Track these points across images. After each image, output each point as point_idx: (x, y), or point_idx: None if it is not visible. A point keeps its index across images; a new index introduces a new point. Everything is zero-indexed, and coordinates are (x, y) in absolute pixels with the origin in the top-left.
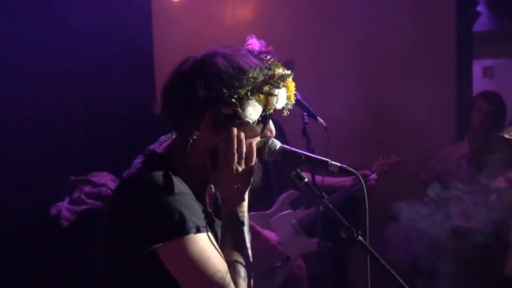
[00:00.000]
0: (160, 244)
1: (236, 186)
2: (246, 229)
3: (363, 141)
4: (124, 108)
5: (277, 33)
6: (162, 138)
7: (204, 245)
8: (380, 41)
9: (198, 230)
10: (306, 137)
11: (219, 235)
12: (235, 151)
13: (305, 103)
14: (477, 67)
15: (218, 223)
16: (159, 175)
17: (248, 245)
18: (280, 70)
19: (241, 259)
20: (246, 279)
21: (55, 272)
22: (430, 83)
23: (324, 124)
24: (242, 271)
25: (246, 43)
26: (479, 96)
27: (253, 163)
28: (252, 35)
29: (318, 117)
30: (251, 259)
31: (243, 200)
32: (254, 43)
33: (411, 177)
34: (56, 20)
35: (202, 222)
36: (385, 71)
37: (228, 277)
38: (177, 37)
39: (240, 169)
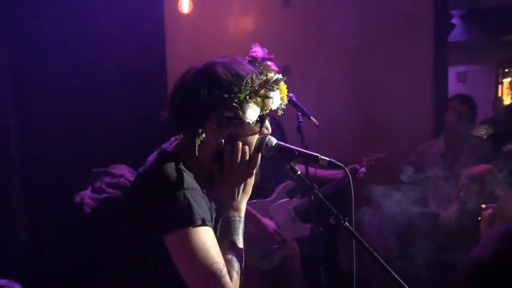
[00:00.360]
0: (168, 233)
1: (237, 196)
2: (241, 231)
3: (352, 138)
4: (142, 110)
5: (275, 43)
6: (173, 138)
7: (207, 237)
8: (367, 52)
9: (203, 223)
10: (301, 134)
11: (218, 228)
12: (239, 163)
13: (299, 104)
14: (452, 72)
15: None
16: (171, 171)
17: (242, 245)
18: (272, 74)
19: (236, 256)
20: (239, 273)
21: (78, 252)
22: (411, 87)
23: (317, 123)
24: (236, 266)
25: (251, 51)
26: (453, 98)
27: (253, 174)
28: (256, 44)
29: (311, 117)
30: (243, 257)
31: (242, 206)
32: (258, 51)
33: (395, 169)
34: (80, 33)
35: (207, 216)
36: (371, 77)
37: (224, 270)
38: (187, 45)
39: (241, 180)
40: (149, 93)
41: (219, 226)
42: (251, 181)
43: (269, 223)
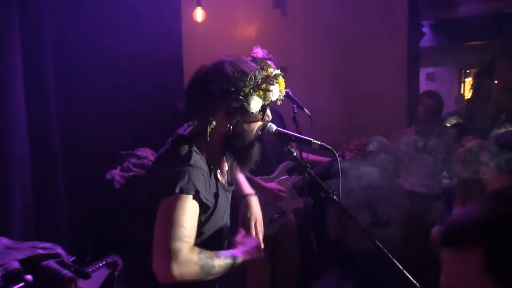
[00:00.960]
0: (167, 196)
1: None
2: (230, 263)
3: (338, 127)
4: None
5: (274, 45)
6: (186, 125)
7: (191, 208)
8: (351, 55)
9: (196, 195)
10: (296, 123)
11: (229, 200)
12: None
13: (294, 97)
14: (422, 73)
15: (229, 189)
16: (183, 150)
17: (219, 267)
18: (271, 69)
19: (212, 259)
20: (200, 265)
21: (109, 221)
22: (388, 85)
23: (309, 114)
24: (205, 260)
25: (253, 52)
26: (423, 94)
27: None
28: (257, 46)
29: (304, 108)
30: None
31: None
32: (259, 52)
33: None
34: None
35: (202, 191)
36: (354, 76)
37: (187, 239)
38: (200, 47)
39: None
40: (168, 89)
41: (229, 193)
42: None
43: (272, 185)
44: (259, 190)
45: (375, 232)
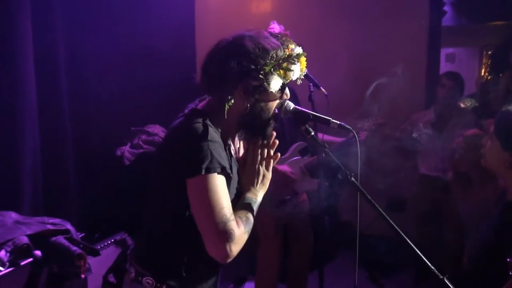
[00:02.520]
0: (191, 177)
1: (256, 184)
2: (255, 207)
3: (354, 107)
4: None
5: (289, 23)
6: (197, 100)
7: (222, 185)
8: (369, 33)
9: (222, 171)
10: (312, 102)
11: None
12: (260, 160)
13: (311, 75)
14: (442, 53)
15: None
16: (199, 125)
17: (252, 218)
18: (292, 46)
19: (248, 219)
20: (247, 232)
21: (118, 198)
22: (406, 65)
23: (326, 93)
24: (247, 224)
25: (269, 27)
26: (443, 75)
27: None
28: (274, 21)
29: (320, 87)
30: (251, 225)
31: (259, 194)
32: (276, 27)
33: (389, 135)
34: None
35: (226, 165)
36: (373, 57)
37: (232, 216)
38: (214, 23)
39: (261, 171)
40: (180, 65)
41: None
42: (269, 176)
43: (285, 168)
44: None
45: (390, 216)
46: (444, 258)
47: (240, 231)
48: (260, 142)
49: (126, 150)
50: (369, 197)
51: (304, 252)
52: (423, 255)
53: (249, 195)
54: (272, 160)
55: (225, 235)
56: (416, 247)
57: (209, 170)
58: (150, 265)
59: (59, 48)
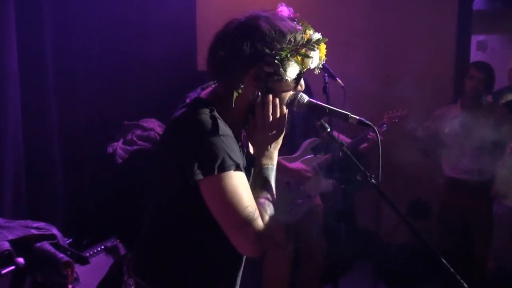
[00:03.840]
0: (203, 178)
1: (269, 146)
2: (273, 178)
3: (372, 101)
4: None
5: (299, 4)
6: (199, 89)
7: (240, 182)
8: (390, 18)
9: (237, 168)
10: (326, 94)
11: (251, 177)
12: (271, 115)
13: (326, 65)
14: (472, 41)
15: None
16: (206, 117)
17: (274, 190)
18: (310, 32)
19: (268, 200)
20: (271, 215)
21: (109, 200)
22: (433, 53)
23: (342, 84)
24: (269, 209)
25: (277, 10)
26: (472, 65)
27: (284, 126)
28: (282, 4)
29: (337, 78)
30: (275, 200)
31: (274, 156)
32: (284, 10)
33: (410, 133)
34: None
35: (241, 162)
36: (394, 43)
37: (256, 213)
38: (216, 7)
39: (273, 131)
40: (180, 53)
41: (250, 176)
42: (282, 131)
43: (295, 164)
44: (281, 170)
45: (413, 223)
46: (472, 269)
47: (266, 223)
48: (271, 98)
49: (118, 147)
50: (391, 201)
51: (316, 262)
52: (449, 266)
53: (264, 161)
54: (284, 115)
55: (252, 237)
56: (442, 257)
57: (224, 169)
58: (152, 276)
59: (45, 43)
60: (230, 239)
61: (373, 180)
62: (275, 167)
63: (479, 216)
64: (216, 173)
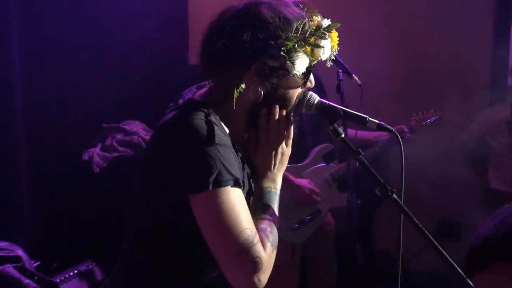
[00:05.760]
0: (195, 193)
1: (273, 166)
2: (276, 203)
3: (395, 100)
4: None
5: None
6: (194, 87)
7: (238, 200)
8: (414, 3)
9: (235, 184)
10: (341, 94)
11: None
12: (275, 131)
13: (340, 59)
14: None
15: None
16: (201, 123)
17: (277, 217)
18: (318, 18)
19: (271, 226)
20: (274, 246)
21: (84, 216)
22: (465, 46)
23: (359, 82)
24: (271, 237)
25: None
26: None
27: (290, 144)
28: None
29: (353, 75)
30: (278, 225)
31: (278, 179)
32: None
33: (447, 138)
34: None
35: (239, 176)
36: (419, 33)
37: (256, 238)
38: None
39: (279, 149)
40: (168, 46)
41: (251, 196)
42: (288, 151)
43: (303, 182)
44: (285, 186)
45: (443, 246)
46: None
47: (267, 253)
48: (277, 109)
49: (95, 154)
50: (415, 220)
51: (325, 286)
52: None
53: (266, 184)
54: (290, 131)
55: (250, 266)
56: None
57: (219, 184)
58: None
59: (12, 35)
60: (222, 268)
61: (394, 195)
62: (278, 192)
63: None
64: (210, 188)
